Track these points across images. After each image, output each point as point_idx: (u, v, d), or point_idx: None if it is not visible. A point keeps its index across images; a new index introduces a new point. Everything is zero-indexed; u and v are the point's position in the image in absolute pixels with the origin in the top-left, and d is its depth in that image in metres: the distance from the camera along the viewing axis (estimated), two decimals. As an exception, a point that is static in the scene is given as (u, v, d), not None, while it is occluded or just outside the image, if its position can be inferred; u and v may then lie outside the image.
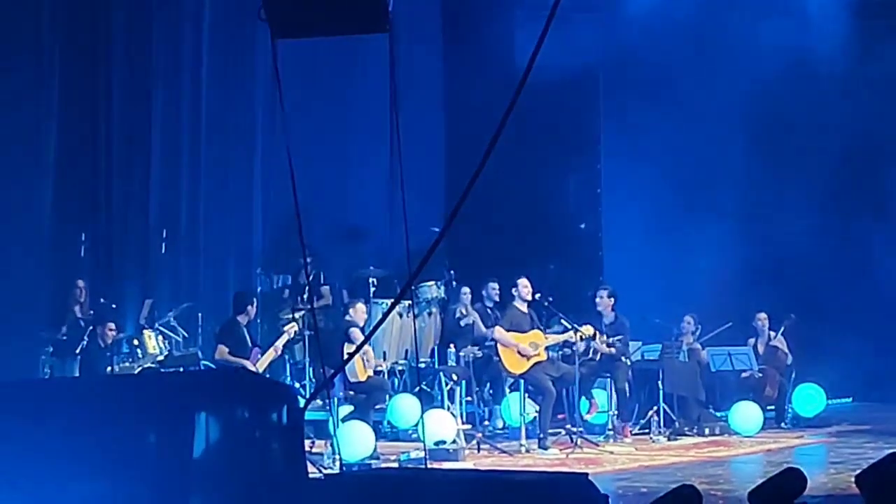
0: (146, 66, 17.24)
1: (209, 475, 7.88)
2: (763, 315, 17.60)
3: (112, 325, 14.95)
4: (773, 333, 17.56)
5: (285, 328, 15.23)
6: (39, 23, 14.23)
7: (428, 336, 17.12)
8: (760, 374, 17.31)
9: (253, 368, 14.44)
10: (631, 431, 15.99)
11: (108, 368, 14.58)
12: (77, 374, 14.50)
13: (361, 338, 14.24)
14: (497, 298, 16.52)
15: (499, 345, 15.12)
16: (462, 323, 16.30)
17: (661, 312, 16.92)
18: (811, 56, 18.25)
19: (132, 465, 7.82)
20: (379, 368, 15.63)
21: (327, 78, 19.14)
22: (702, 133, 19.02)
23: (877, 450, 13.66)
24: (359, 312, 14.93)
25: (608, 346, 15.72)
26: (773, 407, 17.36)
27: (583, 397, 15.87)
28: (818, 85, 19.04)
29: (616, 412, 15.97)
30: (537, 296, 15.44)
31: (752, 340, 17.57)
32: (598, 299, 16.17)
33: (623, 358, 15.87)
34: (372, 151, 19.45)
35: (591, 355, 15.79)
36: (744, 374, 17.25)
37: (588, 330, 15.38)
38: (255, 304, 15.30)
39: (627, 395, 16.02)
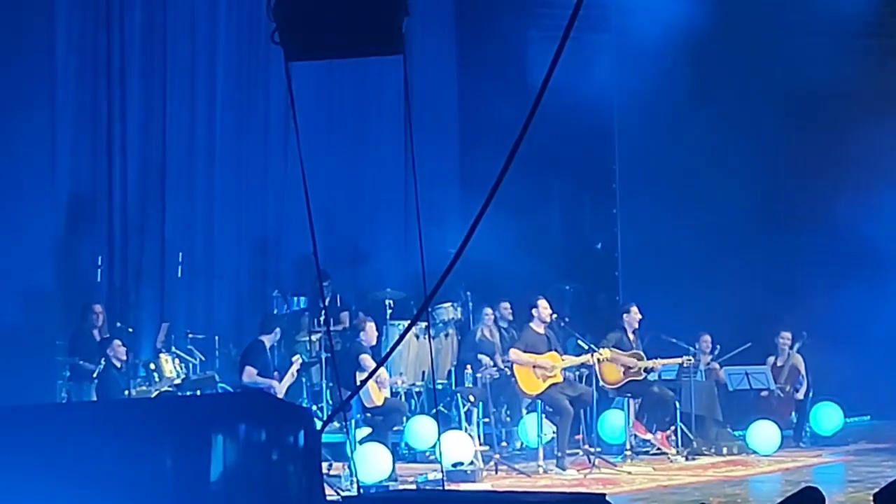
0: (160, 90, 17.32)
1: (227, 499, 7.87)
2: (787, 334, 17.57)
3: (119, 342, 14.89)
4: (792, 353, 17.55)
5: (293, 359, 15.28)
6: (54, 54, 14.32)
7: (445, 357, 17.11)
8: (781, 395, 17.28)
9: (279, 387, 14.55)
10: (667, 437, 16.02)
11: (126, 392, 14.58)
12: (94, 399, 14.51)
13: (371, 364, 14.26)
14: (510, 318, 16.54)
15: (515, 365, 15.11)
16: (476, 338, 16.32)
17: (676, 332, 16.88)
18: (829, 76, 18.24)
19: (149, 489, 7.82)
20: (396, 387, 15.64)
21: (342, 101, 19.22)
22: (716, 152, 18.97)
23: (895, 468, 13.62)
24: (370, 331, 14.97)
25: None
26: (791, 426, 17.33)
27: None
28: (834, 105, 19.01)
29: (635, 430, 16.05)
30: (553, 316, 15.46)
31: (771, 359, 17.53)
32: (631, 315, 16.15)
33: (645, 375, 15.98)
34: (387, 173, 19.51)
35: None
36: (763, 394, 17.22)
37: (605, 353, 15.38)
38: (280, 328, 15.43)
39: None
